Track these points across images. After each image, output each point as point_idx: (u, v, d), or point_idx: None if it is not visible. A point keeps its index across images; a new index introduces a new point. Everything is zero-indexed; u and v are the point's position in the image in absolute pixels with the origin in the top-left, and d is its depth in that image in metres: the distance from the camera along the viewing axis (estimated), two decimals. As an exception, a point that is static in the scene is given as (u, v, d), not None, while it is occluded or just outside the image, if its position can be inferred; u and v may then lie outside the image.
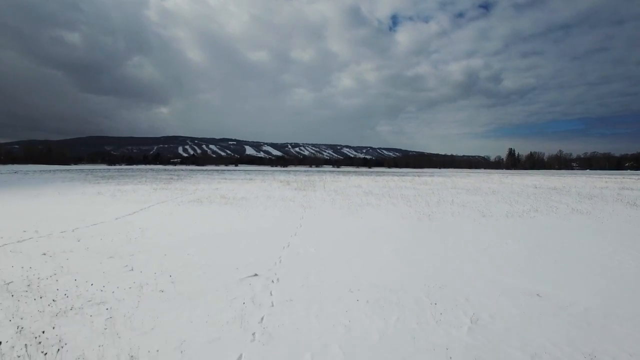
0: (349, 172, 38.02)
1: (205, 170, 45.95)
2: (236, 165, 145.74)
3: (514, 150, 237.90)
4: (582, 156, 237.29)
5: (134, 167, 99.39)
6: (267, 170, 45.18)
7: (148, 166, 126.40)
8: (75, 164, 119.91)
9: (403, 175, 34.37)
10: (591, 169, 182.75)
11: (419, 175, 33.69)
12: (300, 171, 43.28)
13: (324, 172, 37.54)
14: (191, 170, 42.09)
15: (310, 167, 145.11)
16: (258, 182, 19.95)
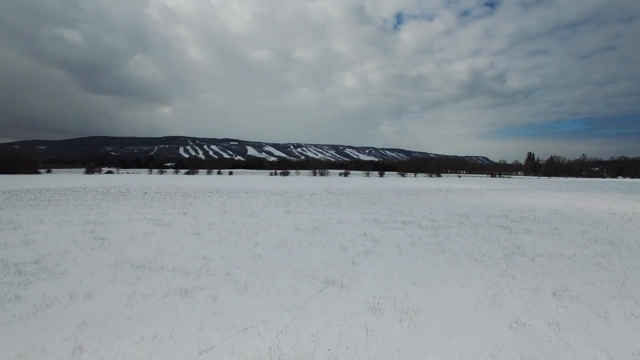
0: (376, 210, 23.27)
1: (172, 195, 31.29)
2: (231, 173, 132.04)
3: (533, 155, 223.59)
4: (606, 160, 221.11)
5: (110, 175, 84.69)
6: (259, 193, 31.08)
7: (133, 171, 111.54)
8: (49, 171, 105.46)
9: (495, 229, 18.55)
10: (622, 176, 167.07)
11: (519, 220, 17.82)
12: (303, 194, 29.31)
13: (339, 204, 23.15)
14: (144, 194, 27.51)
15: (314, 173, 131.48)
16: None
